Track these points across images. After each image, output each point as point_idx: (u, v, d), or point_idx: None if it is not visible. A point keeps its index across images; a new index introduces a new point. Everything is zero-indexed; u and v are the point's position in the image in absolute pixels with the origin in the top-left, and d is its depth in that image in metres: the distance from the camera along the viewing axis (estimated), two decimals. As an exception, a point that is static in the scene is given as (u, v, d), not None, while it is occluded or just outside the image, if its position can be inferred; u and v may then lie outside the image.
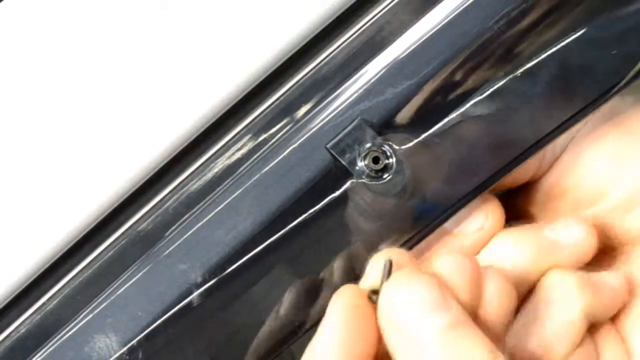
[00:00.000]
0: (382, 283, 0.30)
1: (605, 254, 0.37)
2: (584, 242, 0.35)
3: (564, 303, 0.33)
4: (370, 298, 0.31)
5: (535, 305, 0.33)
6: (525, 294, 0.34)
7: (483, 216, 0.35)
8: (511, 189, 0.39)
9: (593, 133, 0.36)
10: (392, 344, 0.30)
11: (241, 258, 0.34)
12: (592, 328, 0.34)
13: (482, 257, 0.35)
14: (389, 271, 0.31)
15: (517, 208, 0.38)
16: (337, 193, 0.34)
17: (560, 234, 0.35)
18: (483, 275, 0.32)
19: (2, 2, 0.34)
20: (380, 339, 0.30)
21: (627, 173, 0.36)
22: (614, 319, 0.35)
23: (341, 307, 0.30)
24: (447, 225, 0.36)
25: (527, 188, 0.38)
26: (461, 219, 0.36)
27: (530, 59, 0.34)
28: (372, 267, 0.32)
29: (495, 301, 0.31)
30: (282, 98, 0.36)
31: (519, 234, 0.35)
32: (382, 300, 0.30)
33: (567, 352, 0.33)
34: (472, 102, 0.34)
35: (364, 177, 0.33)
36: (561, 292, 0.33)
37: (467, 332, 0.29)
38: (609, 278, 0.35)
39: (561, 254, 0.35)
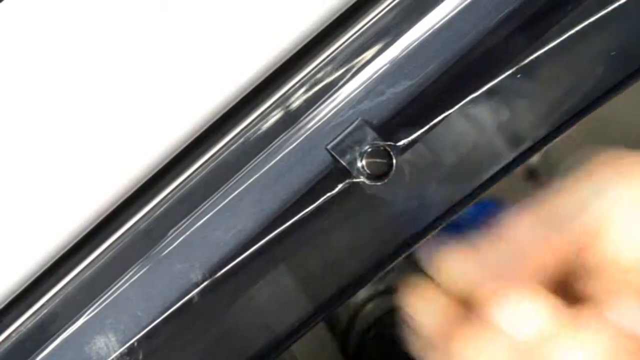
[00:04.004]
0: None
1: None
2: None
3: None
4: None
5: None
6: None
7: None
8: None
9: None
10: None
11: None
12: None
13: None
14: None
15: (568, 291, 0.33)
16: (336, 192, 0.34)
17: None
18: None
19: (2, 2, 0.34)
20: None
21: None
22: None
23: None
24: None
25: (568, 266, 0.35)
26: None
27: (529, 58, 0.34)
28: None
29: None
30: (282, 98, 0.36)
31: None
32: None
33: None
34: (472, 102, 0.34)
35: (363, 177, 0.33)
36: None
37: None
38: None
39: None
